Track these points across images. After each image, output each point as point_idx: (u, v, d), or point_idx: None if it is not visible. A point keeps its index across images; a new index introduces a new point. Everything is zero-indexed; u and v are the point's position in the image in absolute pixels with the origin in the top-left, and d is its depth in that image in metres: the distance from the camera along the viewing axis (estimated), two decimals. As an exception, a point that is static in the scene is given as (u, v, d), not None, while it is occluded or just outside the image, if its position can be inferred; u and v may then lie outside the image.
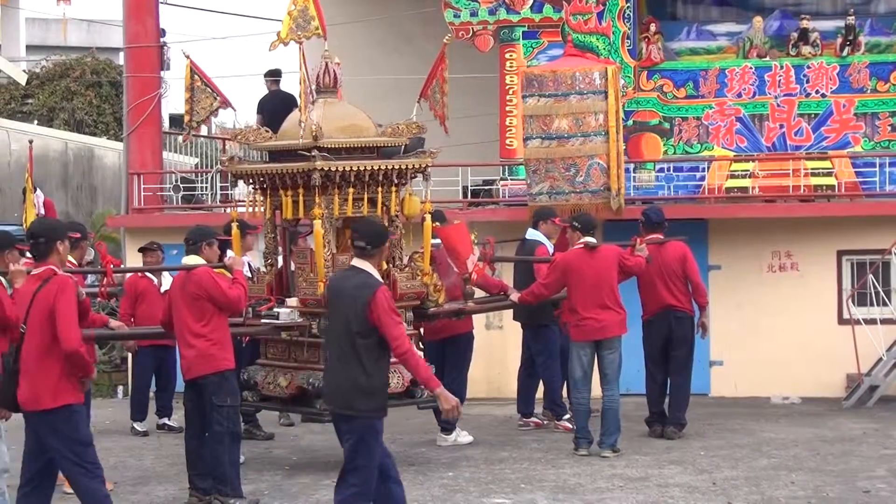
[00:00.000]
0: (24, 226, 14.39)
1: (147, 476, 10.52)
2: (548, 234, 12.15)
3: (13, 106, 29.01)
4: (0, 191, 20.71)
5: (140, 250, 12.64)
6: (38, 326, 7.58)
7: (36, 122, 27.72)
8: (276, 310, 10.23)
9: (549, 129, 13.26)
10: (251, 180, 10.71)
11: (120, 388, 15.21)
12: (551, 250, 11.90)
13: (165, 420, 12.74)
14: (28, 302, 7.62)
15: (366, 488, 7.49)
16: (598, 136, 13.21)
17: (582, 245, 10.96)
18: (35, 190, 14.25)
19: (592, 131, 13.18)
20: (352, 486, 7.49)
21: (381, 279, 7.61)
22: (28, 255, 10.63)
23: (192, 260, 9.28)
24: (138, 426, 12.64)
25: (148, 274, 12.32)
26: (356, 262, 7.61)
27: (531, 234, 12.20)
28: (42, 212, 14.18)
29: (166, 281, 12.25)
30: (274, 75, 16.49)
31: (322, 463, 10.93)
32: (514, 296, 11.47)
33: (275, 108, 15.50)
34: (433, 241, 10.79)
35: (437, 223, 10.91)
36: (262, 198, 10.72)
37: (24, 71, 29.05)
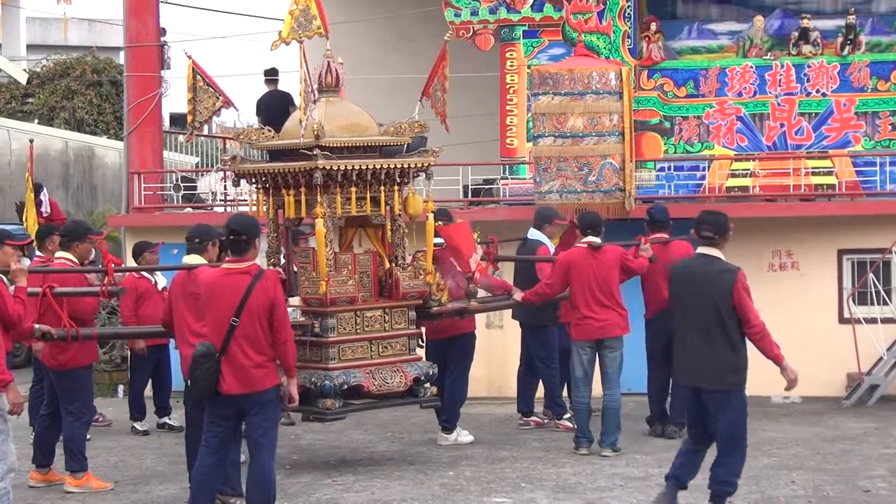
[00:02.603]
0: (25, 224, 14.44)
1: (148, 475, 10.53)
2: (550, 235, 12.14)
3: (14, 105, 29.04)
4: (0, 190, 20.72)
5: (137, 251, 12.64)
6: (256, 318, 7.99)
7: (36, 121, 27.75)
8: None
9: (563, 128, 13.21)
10: (254, 179, 10.71)
11: (120, 388, 15.21)
12: (552, 250, 11.89)
13: (166, 419, 12.74)
14: (241, 296, 7.95)
15: (744, 453, 8.52)
16: (612, 136, 13.18)
17: (585, 244, 10.96)
18: (41, 189, 14.28)
19: (607, 131, 13.15)
20: (734, 454, 8.45)
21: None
22: (38, 253, 10.70)
23: (193, 259, 9.27)
24: (138, 426, 12.64)
25: (145, 273, 12.33)
26: (704, 249, 8.53)
27: (533, 233, 12.19)
28: (48, 210, 14.22)
29: (161, 278, 12.26)
30: (272, 74, 16.51)
31: (322, 462, 10.94)
32: (518, 295, 11.46)
33: (273, 107, 15.52)
34: (436, 240, 10.79)
35: (441, 222, 10.90)
36: (264, 197, 10.71)
37: (24, 70, 29.09)
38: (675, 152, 15.45)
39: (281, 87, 16.57)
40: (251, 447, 8.18)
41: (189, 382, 8.43)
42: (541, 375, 12.32)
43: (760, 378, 14.30)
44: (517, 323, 12.51)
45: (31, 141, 15.48)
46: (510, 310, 12.46)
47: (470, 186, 15.52)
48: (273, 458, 8.22)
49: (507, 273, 12.58)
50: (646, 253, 11.38)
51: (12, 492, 8.23)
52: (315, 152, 10.04)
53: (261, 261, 11.59)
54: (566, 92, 13.24)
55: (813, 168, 14.95)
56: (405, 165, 10.50)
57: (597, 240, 10.97)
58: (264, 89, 16.60)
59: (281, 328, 8.08)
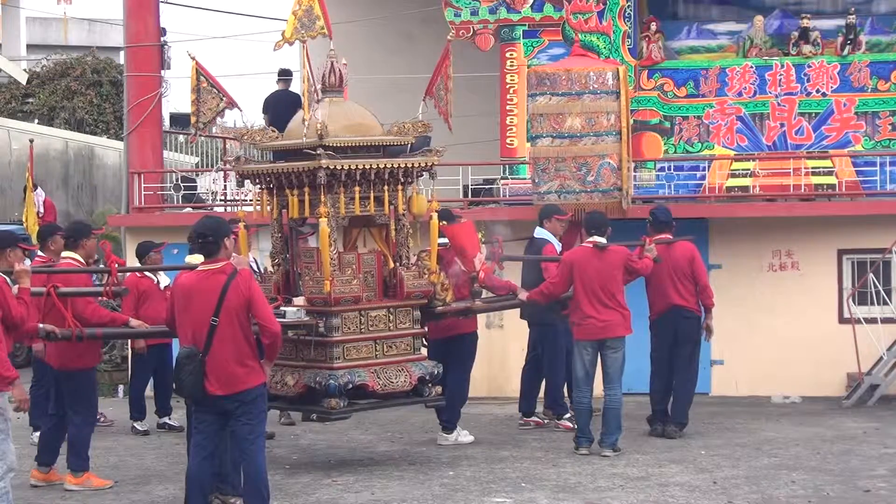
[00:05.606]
0: (25, 224, 14.46)
1: (148, 475, 10.52)
2: (553, 231, 12.15)
3: (14, 105, 29.05)
4: (1, 190, 20.74)
5: (142, 251, 12.64)
6: (234, 317, 8.05)
7: (36, 121, 27.75)
8: (282, 309, 10.24)
9: (561, 128, 13.22)
10: (257, 180, 10.71)
11: (120, 388, 15.22)
12: (559, 248, 11.90)
13: (166, 419, 12.75)
14: (217, 296, 8.00)
15: None
16: (610, 135, 13.19)
17: (590, 244, 10.96)
18: (35, 188, 14.32)
19: (604, 131, 13.16)
20: None
21: None
22: (39, 253, 10.71)
23: (195, 259, 9.27)
24: (139, 426, 12.64)
25: (148, 273, 12.34)
26: None
27: (539, 232, 12.19)
28: (42, 210, 14.25)
29: (164, 278, 12.27)
30: (285, 75, 16.53)
31: (322, 462, 10.95)
32: (523, 295, 11.46)
33: (282, 107, 15.52)
34: (441, 239, 10.79)
35: (445, 222, 10.90)
36: (268, 197, 10.72)
37: (24, 70, 29.09)
38: (675, 152, 15.47)
39: (291, 89, 16.59)
40: (241, 446, 8.21)
41: (175, 385, 8.46)
42: (546, 374, 12.32)
43: (760, 378, 14.50)
44: (518, 323, 12.50)
45: (31, 141, 15.52)
46: (512, 309, 12.45)
47: (470, 186, 15.54)
48: (263, 454, 8.25)
49: (514, 273, 12.53)
50: (650, 254, 11.35)
51: (12, 491, 8.24)
52: (319, 152, 10.04)
53: (261, 259, 11.69)
54: (563, 92, 13.24)
55: (813, 168, 14.96)
56: (409, 165, 10.50)
57: (602, 240, 10.96)
58: (269, 89, 16.63)
59: (269, 322, 8.14)
